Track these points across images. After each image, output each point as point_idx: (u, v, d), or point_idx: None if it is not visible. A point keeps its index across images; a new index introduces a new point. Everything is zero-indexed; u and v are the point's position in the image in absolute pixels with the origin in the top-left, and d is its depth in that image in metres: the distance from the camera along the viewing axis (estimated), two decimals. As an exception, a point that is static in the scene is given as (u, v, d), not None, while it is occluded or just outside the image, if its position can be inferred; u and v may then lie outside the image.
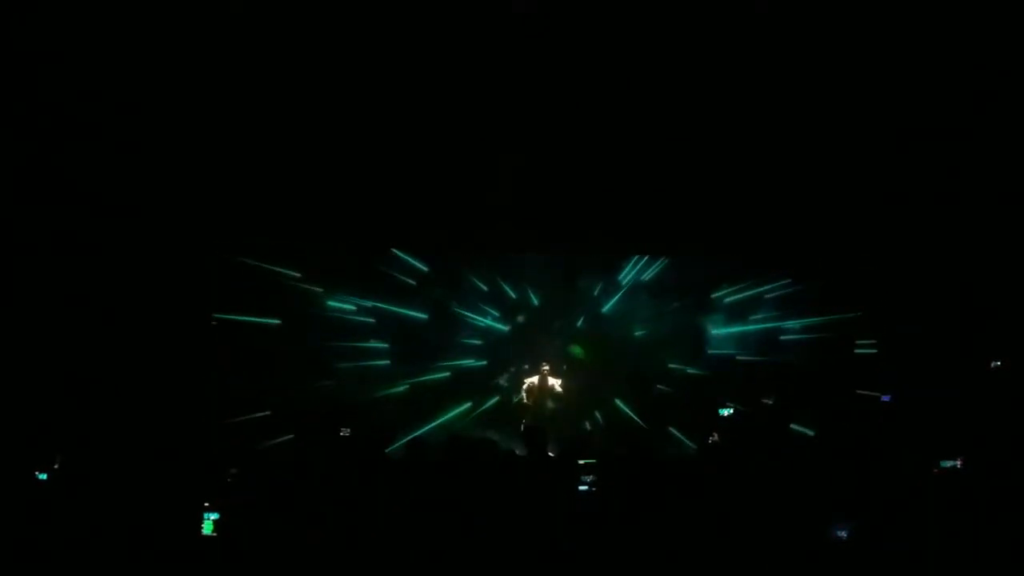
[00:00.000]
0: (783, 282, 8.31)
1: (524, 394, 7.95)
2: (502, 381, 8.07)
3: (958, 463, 4.22)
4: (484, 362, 8.04)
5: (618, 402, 8.03)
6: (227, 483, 4.69)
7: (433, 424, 7.60)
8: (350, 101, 6.28)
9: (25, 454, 4.85)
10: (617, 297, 8.26)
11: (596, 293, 8.27)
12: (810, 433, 5.86)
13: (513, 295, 8.13)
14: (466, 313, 8.03)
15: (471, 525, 4.28)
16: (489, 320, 8.09)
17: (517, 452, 5.37)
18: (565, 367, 8.04)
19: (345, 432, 3.84)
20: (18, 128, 6.06)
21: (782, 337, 8.20)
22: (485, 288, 8.09)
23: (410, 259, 7.92)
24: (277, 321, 7.48)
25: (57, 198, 6.64)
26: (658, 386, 8.08)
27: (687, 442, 7.60)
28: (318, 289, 7.69)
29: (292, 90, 6.14)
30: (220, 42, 5.54)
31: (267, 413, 7.22)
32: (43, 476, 4.60)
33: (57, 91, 5.84)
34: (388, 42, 5.59)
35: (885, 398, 5.86)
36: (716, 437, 5.72)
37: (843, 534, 3.86)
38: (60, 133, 6.22)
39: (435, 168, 7.00)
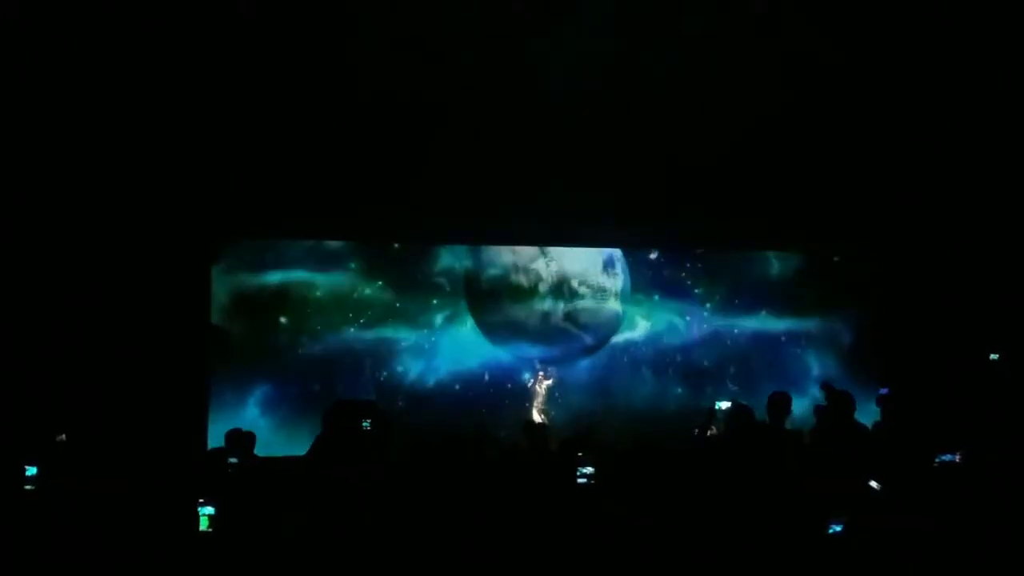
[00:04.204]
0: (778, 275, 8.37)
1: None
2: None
3: (956, 457, 4.25)
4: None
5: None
6: (227, 474, 4.71)
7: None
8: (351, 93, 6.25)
9: (18, 450, 4.84)
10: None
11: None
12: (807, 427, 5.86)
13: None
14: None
15: (471, 519, 4.30)
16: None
17: (519, 445, 5.39)
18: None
19: (366, 425, 3.86)
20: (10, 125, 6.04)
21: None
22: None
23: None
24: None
25: (52, 194, 6.64)
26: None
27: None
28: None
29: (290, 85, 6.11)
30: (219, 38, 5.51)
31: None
32: (31, 471, 4.58)
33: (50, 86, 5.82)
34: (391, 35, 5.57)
35: (883, 391, 5.86)
36: (715, 430, 5.73)
37: (838, 528, 3.88)
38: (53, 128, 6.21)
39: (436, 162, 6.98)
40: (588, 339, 8.04)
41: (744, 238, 8.18)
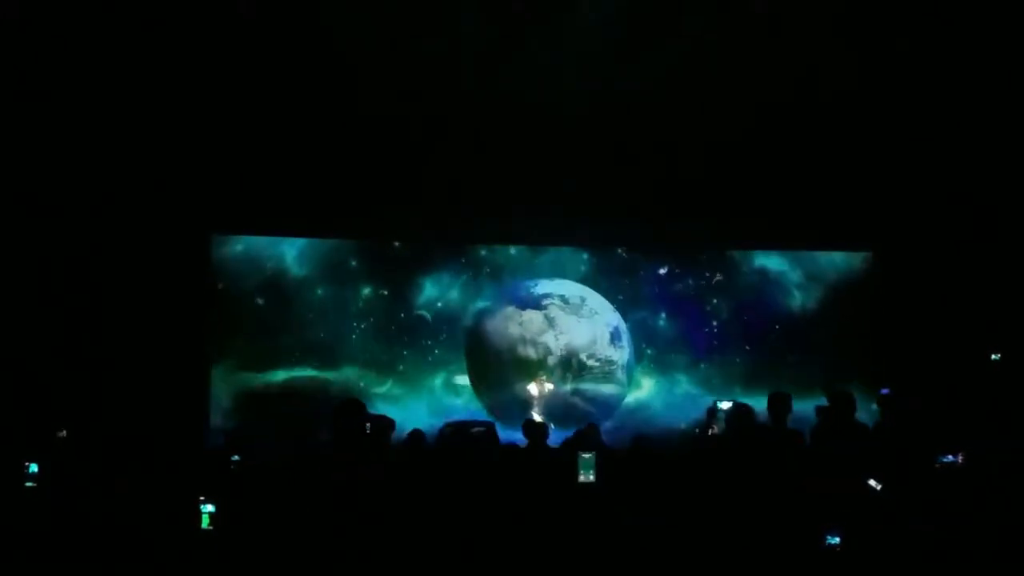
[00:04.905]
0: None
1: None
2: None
3: (958, 458, 4.24)
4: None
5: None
6: (229, 473, 4.71)
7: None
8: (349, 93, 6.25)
9: (20, 447, 4.84)
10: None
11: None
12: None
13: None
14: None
15: (471, 518, 4.30)
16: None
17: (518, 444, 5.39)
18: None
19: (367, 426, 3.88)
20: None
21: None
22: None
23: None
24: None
25: (51, 193, 6.64)
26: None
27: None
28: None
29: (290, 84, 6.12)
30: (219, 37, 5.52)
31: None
32: (33, 468, 4.58)
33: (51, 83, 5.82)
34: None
35: (883, 391, 5.86)
36: (715, 430, 5.73)
37: (835, 540, 3.88)
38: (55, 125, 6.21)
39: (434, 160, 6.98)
40: (596, 413, 7.83)
41: (744, 238, 8.19)
